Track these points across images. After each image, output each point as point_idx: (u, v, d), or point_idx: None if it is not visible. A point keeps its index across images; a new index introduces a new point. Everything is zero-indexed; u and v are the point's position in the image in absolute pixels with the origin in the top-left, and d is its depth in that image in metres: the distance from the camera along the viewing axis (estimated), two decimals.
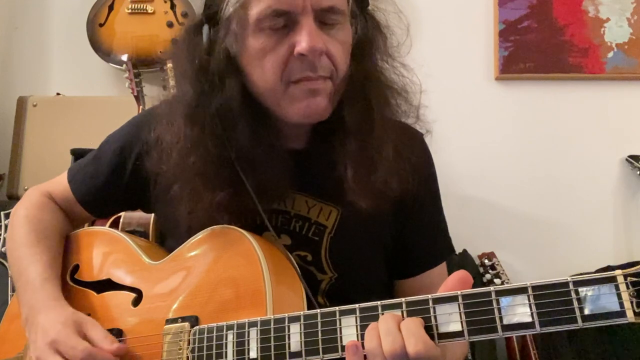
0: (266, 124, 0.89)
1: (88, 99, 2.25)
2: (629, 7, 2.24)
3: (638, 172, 2.13)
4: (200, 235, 0.91)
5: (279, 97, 0.86)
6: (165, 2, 2.25)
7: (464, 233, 2.07)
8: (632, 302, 0.59)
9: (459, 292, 0.66)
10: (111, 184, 1.04)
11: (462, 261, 2.09)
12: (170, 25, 2.22)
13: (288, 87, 0.85)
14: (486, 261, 2.05)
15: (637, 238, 2.17)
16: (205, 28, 0.87)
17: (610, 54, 2.23)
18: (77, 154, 1.91)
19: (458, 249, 2.11)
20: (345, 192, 0.90)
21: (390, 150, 0.90)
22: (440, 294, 0.67)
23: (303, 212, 0.94)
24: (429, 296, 0.67)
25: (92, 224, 1.66)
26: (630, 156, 2.16)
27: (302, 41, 0.81)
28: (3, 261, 1.69)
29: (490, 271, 2.01)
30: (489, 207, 2.22)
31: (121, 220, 1.64)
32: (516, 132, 2.26)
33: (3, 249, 1.69)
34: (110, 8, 2.26)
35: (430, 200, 1.02)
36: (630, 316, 0.59)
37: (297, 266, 0.88)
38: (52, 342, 0.83)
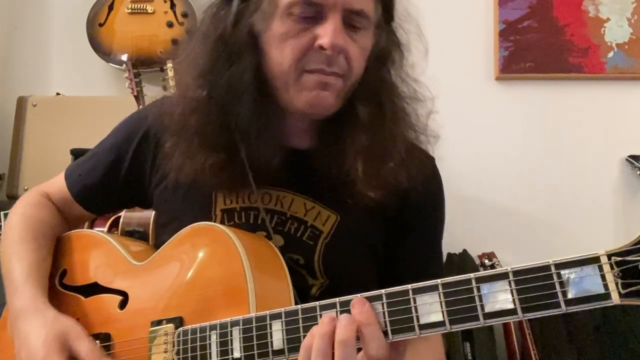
0: (268, 106, 0.90)
1: (88, 99, 2.25)
2: (629, 7, 2.25)
3: (638, 172, 2.13)
4: (182, 233, 0.90)
5: (289, 83, 0.87)
6: (165, 2, 2.25)
7: (464, 233, 2.08)
8: (617, 284, 0.56)
9: (439, 281, 0.64)
10: (108, 179, 1.04)
11: (462, 261, 2.09)
12: (170, 25, 2.22)
13: (301, 75, 0.86)
14: (486, 261, 2.05)
15: None
16: (236, 0, 0.89)
17: (611, 54, 2.23)
18: (77, 154, 1.91)
19: (458, 249, 2.12)
20: (347, 196, 0.90)
21: (400, 146, 0.91)
22: (419, 283, 0.66)
23: (300, 214, 0.94)
24: (409, 287, 0.66)
25: (92, 223, 1.66)
26: (630, 156, 2.16)
27: (326, 35, 0.83)
28: None
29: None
30: (489, 207, 2.22)
31: (121, 220, 1.64)
32: (516, 132, 2.26)
33: None
34: (110, 8, 2.26)
35: (432, 223, 1.02)
36: (615, 298, 0.56)
37: (283, 260, 0.88)
38: None
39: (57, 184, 1.09)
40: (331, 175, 0.91)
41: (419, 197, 0.94)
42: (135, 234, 1.61)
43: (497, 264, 2.04)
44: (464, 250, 2.11)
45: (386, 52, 0.93)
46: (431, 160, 1.01)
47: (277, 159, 0.89)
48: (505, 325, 1.98)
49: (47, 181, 1.13)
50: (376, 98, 0.92)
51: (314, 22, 0.85)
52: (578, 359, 1.94)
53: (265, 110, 0.89)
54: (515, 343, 1.95)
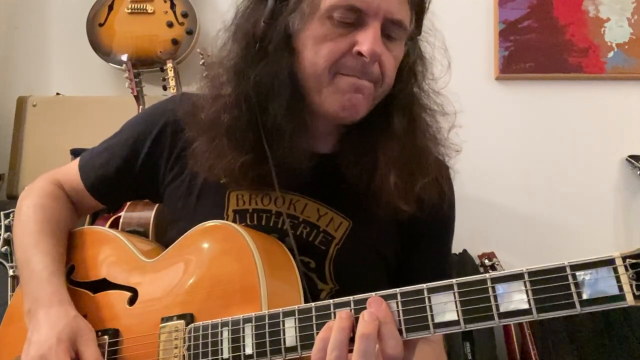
0: (300, 107, 0.90)
1: (88, 99, 2.25)
2: (629, 7, 2.25)
3: (638, 172, 2.13)
4: (194, 231, 0.90)
5: (322, 85, 0.87)
6: (165, 2, 2.25)
7: (464, 233, 2.07)
8: (631, 285, 0.57)
9: (454, 281, 0.65)
10: (122, 173, 1.04)
11: (462, 261, 2.09)
12: (170, 25, 2.22)
13: (335, 77, 0.87)
14: (486, 261, 2.05)
15: (638, 238, 2.17)
16: None
17: (611, 54, 2.23)
18: (77, 154, 1.90)
19: (458, 249, 2.11)
20: (364, 203, 0.91)
21: (430, 159, 0.93)
22: (434, 283, 0.67)
23: (312, 219, 0.94)
24: (424, 286, 0.67)
25: (93, 220, 1.67)
26: (630, 156, 2.16)
27: (366, 42, 0.83)
28: (3, 261, 1.69)
29: (490, 271, 2.01)
30: (489, 207, 2.22)
31: (121, 220, 1.64)
32: (516, 132, 2.26)
33: (3, 249, 1.69)
34: (110, 8, 2.26)
35: (443, 234, 1.04)
36: (629, 300, 0.57)
37: (294, 260, 0.88)
38: (42, 357, 0.84)
39: (70, 173, 1.09)
40: (350, 181, 0.92)
41: (433, 204, 0.94)
42: (135, 234, 1.61)
43: (497, 264, 2.04)
44: (464, 250, 2.11)
45: (415, 64, 0.94)
46: (446, 169, 1.02)
47: (305, 162, 0.90)
48: (505, 325, 1.98)
49: (58, 168, 1.13)
50: (409, 110, 0.93)
51: (353, 28, 0.85)
52: (578, 359, 1.94)
53: (298, 111, 0.89)
54: (515, 343, 1.95)
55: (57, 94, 2.27)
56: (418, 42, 0.95)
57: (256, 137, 0.89)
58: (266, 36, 0.88)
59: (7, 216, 1.70)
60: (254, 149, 0.89)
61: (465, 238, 2.04)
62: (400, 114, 0.92)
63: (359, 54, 0.84)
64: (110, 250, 1.00)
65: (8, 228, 1.69)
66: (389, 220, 0.94)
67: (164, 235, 1.07)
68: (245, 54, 0.89)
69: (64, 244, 1.02)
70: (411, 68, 0.94)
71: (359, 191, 0.91)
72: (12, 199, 2.09)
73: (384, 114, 0.92)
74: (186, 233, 0.91)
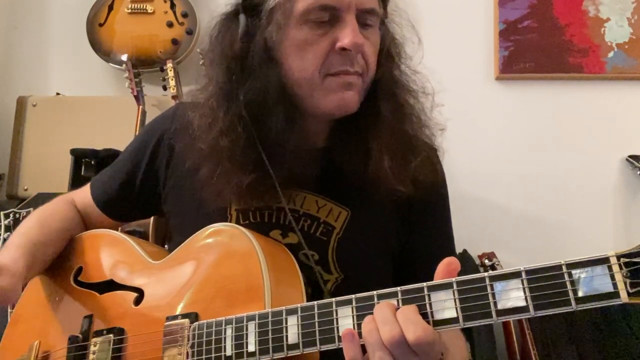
0: (296, 114, 0.92)
1: (88, 99, 2.25)
2: (629, 7, 2.25)
3: (638, 172, 2.13)
4: (199, 234, 0.92)
5: (314, 88, 0.89)
6: (165, 2, 2.25)
7: (464, 233, 2.07)
8: (625, 283, 0.59)
9: (453, 279, 0.66)
10: (126, 186, 1.07)
11: (462, 261, 2.08)
12: (170, 25, 2.22)
13: (325, 79, 0.89)
14: (486, 261, 2.05)
15: (637, 238, 2.17)
16: (242, 17, 0.91)
17: (611, 54, 2.23)
18: (77, 154, 1.92)
19: (458, 249, 2.11)
20: (362, 191, 0.93)
21: (420, 141, 0.96)
22: (434, 281, 0.68)
23: (312, 211, 0.96)
24: (424, 284, 0.68)
25: None
26: (631, 156, 2.16)
27: (346, 37, 0.86)
28: None
29: (490, 271, 2.01)
30: (489, 207, 2.22)
31: None
32: (516, 132, 2.26)
33: None
34: (110, 8, 2.26)
35: (440, 212, 1.05)
36: (624, 297, 0.59)
37: (296, 262, 0.89)
38: None
39: (83, 191, 1.14)
40: (346, 172, 0.94)
41: (428, 183, 0.96)
42: (136, 233, 1.61)
43: (497, 264, 2.03)
44: (464, 250, 2.11)
45: (390, 47, 0.96)
46: (434, 150, 1.04)
47: (301, 160, 0.91)
48: (505, 325, 1.98)
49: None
50: (394, 95, 0.94)
51: (330, 26, 0.87)
52: (578, 358, 1.94)
53: (296, 118, 0.91)
54: (515, 343, 1.95)
55: (57, 94, 2.27)
56: (387, 24, 0.97)
57: (256, 154, 0.91)
58: (247, 54, 0.90)
59: (7, 216, 1.71)
60: (255, 166, 0.90)
61: (465, 238, 2.03)
62: (385, 99, 0.94)
63: (343, 49, 0.86)
64: (118, 252, 1.02)
65: (8, 228, 1.69)
66: (387, 205, 0.96)
67: (169, 240, 1.08)
68: (230, 76, 0.91)
69: (53, 237, 1.04)
70: (388, 51, 0.96)
71: (356, 180, 0.93)
72: (12, 199, 2.09)
73: (370, 101, 0.94)
74: (193, 235, 0.93)
